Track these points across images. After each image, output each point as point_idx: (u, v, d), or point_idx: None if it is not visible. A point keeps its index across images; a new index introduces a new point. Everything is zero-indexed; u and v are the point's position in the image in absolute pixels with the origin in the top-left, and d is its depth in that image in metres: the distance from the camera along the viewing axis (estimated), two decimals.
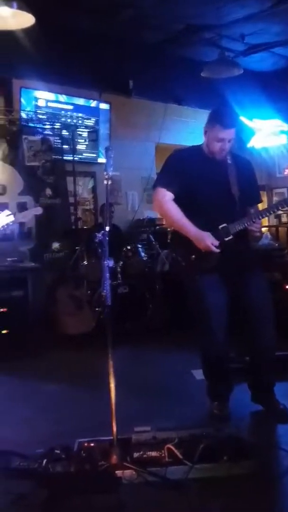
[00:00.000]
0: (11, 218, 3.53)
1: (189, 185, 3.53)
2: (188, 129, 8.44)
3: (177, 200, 3.57)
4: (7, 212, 3.58)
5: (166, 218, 3.70)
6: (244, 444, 3.00)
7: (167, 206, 3.56)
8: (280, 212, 9.37)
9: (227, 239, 3.47)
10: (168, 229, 3.71)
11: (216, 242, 3.44)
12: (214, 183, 3.54)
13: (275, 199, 9.76)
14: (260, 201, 3.87)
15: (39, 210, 4.53)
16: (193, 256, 3.52)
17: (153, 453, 2.91)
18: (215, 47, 7.60)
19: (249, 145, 9.28)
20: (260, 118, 9.07)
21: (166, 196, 3.55)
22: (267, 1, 6.45)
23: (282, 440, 3.20)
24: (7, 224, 3.53)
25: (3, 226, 3.51)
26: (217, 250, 3.44)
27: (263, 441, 3.16)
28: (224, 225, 3.49)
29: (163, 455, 2.90)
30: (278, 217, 9.52)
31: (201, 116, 8.77)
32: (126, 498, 2.68)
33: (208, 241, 3.45)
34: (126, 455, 2.91)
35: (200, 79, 7.52)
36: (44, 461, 2.89)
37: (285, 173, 9.72)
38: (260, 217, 3.55)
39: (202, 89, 8.16)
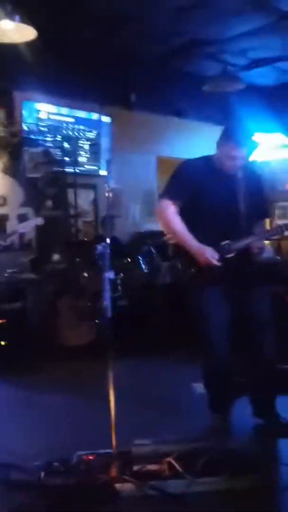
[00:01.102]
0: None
1: (195, 197, 3.50)
2: (190, 142, 8.46)
3: (181, 212, 3.55)
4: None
5: (168, 230, 3.69)
6: (245, 459, 2.97)
7: (169, 218, 3.54)
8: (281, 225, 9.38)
9: (228, 256, 3.45)
10: (170, 242, 3.68)
11: (216, 256, 3.42)
12: (221, 197, 3.50)
13: (277, 212, 9.76)
14: (268, 216, 3.84)
15: (40, 221, 4.53)
16: (193, 270, 3.51)
17: (153, 467, 2.89)
18: (217, 61, 7.65)
19: (251, 158, 9.28)
20: (262, 131, 9.09)
21: (170, 209, 3.53)
22: (269, 16, 6.48)
23: (284, 455, 3.17)
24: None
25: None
26: (217, 263, 3.42)
27: (264, 456, 3.12)
28: (227, 242, 3.48)
29: (163, 468, 2.87)
30: None
31: (203, 130, 8.85)
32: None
33: (208, 254, 3.43)
34: (125, 468, 2.89)
35: (202, 93, 7.55)
36: (43, 473, 2.87)
37: (287, 187, 9.73)
38: (264, 239, 3.54)
39: (204, 103, 8.20)
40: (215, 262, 3.43)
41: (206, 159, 3.67)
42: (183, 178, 3.59)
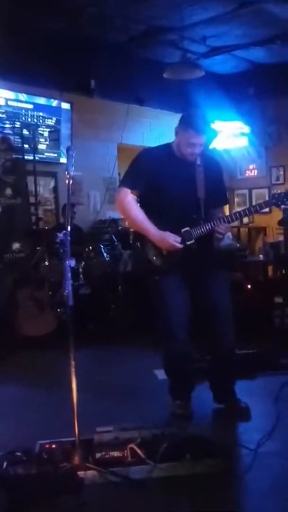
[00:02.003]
0: None
1: (154, 185, 3.51)
2: (150, 130, 8.47)
3: (141, 200, 3.56)
4: None
5: (128, 219, 3.69)
6: (206, 443, 3.01)
7: (129, 207, 3.54)
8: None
9: (188, 243, 3.48)
10: (131, 230, 3.69)
11: (179, 239, 3.45)
12: (180, 185, 3.52)
13: (237, 200, 9.87)
14: (227, 203, 3.88)
15: None
16: (154, 257, 3.52)
17: (116, 453, 2.90)
18: (177, 48, 7.65)
19: (211, 146, 9.34)
20: (222, 119, 9.14)
21: (128, 197, 3.53)
22: (229, 4, 6.51)
23: (244, 438, 3.22)
24: None
25: None
26: (181, 246, 3.44)
27: (225, 439, 3.17)
28: (186, 229, 3.49)
29: (125, 455, 2.88)
30: None
31: (163, 117, 8.85)
32: (88, 499, 2.65)
33: (170, 239, 3.45)
34: (88, 456, 2.89)
35: (162, 80, 7.55)
36: (5, 463, 2.85)
37: (246, 174, 9.84)
38: (226, 222, 3.55)
39: (164, 90, 8.20)
40: (179, 246, 3.45)
41: (165, 147, 3.68)
42: (142, 166, 3.59)
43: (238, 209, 8.63)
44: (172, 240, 3.45)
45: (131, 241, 3.78)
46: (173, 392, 3.76)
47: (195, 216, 3.52)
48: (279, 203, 3.60)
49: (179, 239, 3.45)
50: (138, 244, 3.63)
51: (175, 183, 3.51)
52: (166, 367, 3.80)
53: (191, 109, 4.08)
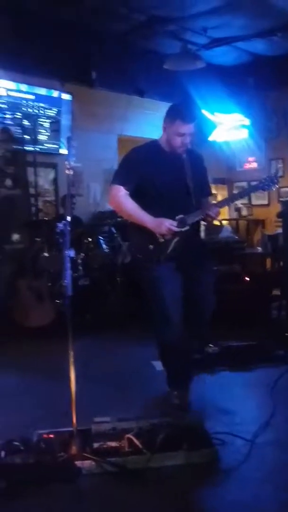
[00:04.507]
0: None
1: (146, 181, 3.61)
2: (151, 121, 8.44)
3: (134, 196, 3.63)
4: None
5: (122, 212, 3.77)
6: (203, 433, 3.04)
7: (122, 200, 3.62)
8: (239, 205, 9.50)
9: (184, 229, 3.55)
10: (128, 222, 3.74)
11: (175, 223, 3.54)
12: (170, 177, 3.63)
13: (236, 191, 9.86)
14: (211, 194, 4.00)
15: None
16: (151, 246, 3.58)
17: (113, 443, 2.93)
18: (178, 39, 7.62)
19: (211, 138, 9.33)
20: (222, 112, 9.13)
21: (121, 192, 3.62)
22: None
23: (240, 429, 3.25)
24: None
25: None
26: (178, 229, 3.53)
27: (221, 430, 3.20)
28: (181, 216, 3.58)
29: (123, 445, 2.91)
30: (238, 210, 9.63)
31: (164, 109, 8.73)
32: (86, 488, 2.68)
33: (167, 223, 3.53)
34: (85, 445, 2.92)
35: (163, 72, 7.54)
36: (3, 452, 2.88)
37: (246, 167, 9.83)
38: (218, 206, 3.68)
39: (165, 82, 8.17)
40: (176, 229, 3.53)
41: (152, 143, 3.79)
42: (132, 163, 3.69)
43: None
44: (169, 224, 3.53)
45: (128, 233, 3.83)
46: (171, 382, 3.79)
47: (187, 204, 3.62)
48: (265, 187, 3.72)
49: (175, 223, 3.55)
50: (133, 235, 3.72)
51: (165, 176, 3.61)
52: (162, 356, 3.84)
53: (177, 101, 4.14)
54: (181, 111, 3.59)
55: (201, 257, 3.76)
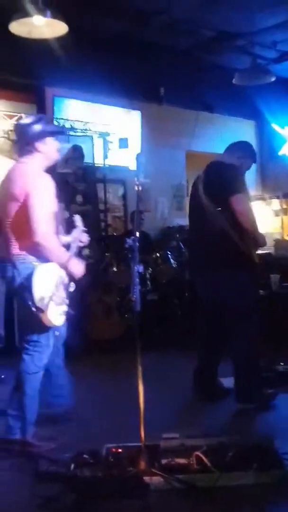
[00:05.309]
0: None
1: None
2: (219, 136, 8.42)
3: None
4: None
5: (248, 219, 3.85)
6: (273, 453, 2.97)
7: (250, 207, 3.90)
8: None
9: None
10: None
11: None
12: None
13: None
14: None
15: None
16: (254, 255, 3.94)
17: (181, 460, 2.89)
18: (247, 54, 7.59)
19: (281, 153, 9.21)
20: None
21: (248, 201, 3.91)
22: None
23: None
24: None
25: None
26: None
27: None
28: None
29: (191, 462, 2.88)
30: None
31: (232, 124, 8.81)
32: (153, 504, 2.67)
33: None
34: (154, 461, 2.90)
35: (231, 87, 7.51)
36: (72, 465, 2.90)
37: None
38: None
39: (234, 97, 8.15)
40: None
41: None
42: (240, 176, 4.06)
43: None
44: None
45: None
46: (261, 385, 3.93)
47: None
48: None
49: None
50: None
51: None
52: (250, 366, 3.91)
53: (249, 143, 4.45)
54: (254, 154, 4.20)
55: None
